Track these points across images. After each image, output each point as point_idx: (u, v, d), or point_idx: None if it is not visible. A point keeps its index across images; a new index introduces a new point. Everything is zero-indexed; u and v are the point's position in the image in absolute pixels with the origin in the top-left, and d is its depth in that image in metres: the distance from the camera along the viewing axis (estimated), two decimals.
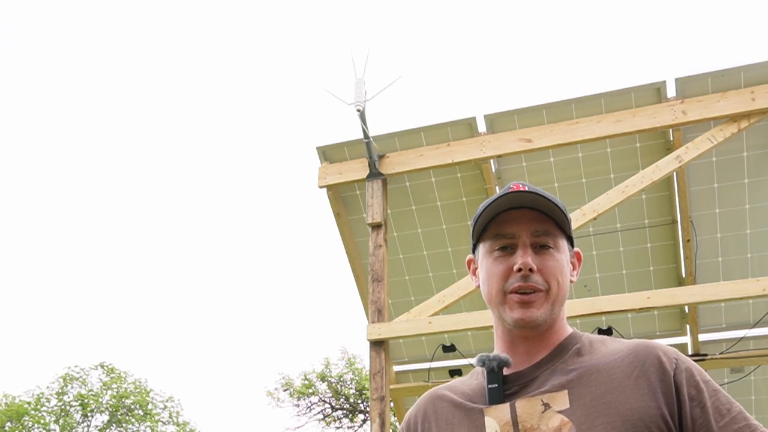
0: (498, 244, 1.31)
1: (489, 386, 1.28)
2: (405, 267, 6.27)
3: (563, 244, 1.33)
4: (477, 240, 1.37)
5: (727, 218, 5.69)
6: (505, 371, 1.30)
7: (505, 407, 1.25)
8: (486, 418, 1.26)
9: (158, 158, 42.82)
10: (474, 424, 1.27)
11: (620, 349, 1.26)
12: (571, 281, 1.34)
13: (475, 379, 1.36)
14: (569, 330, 1.34)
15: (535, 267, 1.27)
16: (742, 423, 1.20)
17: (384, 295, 5.31)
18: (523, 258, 1.27)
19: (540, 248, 1.29)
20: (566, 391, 1.22)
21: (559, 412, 1.20)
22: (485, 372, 1.30)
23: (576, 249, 1.39)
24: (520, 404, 1.24)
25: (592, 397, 1.20)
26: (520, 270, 1.27)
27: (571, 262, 1.36)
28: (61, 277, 35.65)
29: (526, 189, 1.30)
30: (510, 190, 1.31)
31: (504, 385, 1.28)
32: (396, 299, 6.39)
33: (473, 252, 1.40)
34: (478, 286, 1.38)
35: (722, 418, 1.19)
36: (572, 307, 4.73)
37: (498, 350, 1.34)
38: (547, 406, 1.22)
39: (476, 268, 1.39)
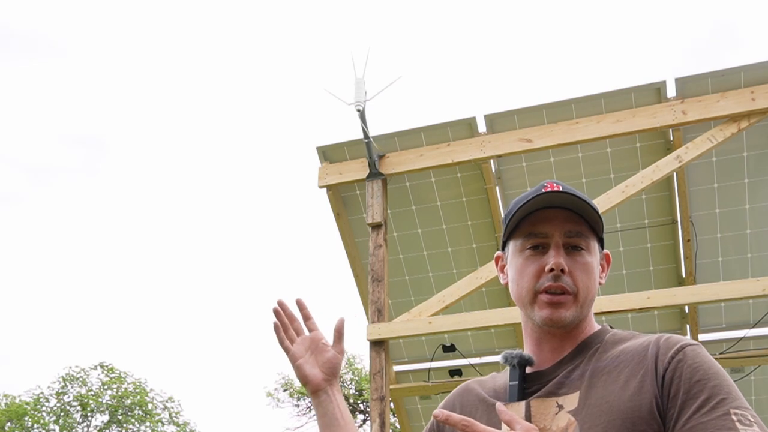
0: (530, 243, 1.30)
1: (509, 383, 1.30)
2: (405, 267, 6.27)
3: (594, 245, 1.33)
4: (507, 237, 1.36)
5: (727, 218, 5.69)
6: (528, 369, 1.30)
7: (521, 406, 1.26)
8: None
9: (158, 158, 42.82)
10: (492, 420, 1.28)
11: (635, 347, 1.24)
12: (599, 283, 1.34)
13: (504, 375, 1.37)
14: (596, 328, 1.34)
15: (566, 268, 1.27)
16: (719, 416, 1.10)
17: (384, 295, 5.31)
18: (556, 258, 1.27)
19: (572, 249, 1.29)
20: (578, 393, 1.22)
21: (569, 412, 1.21)
22: (509, 369, 1.32)
23: (606, 251, 1.38)
24: (535, 404, 1.25)
25: (598, 397, 1.19)
26: (551, 270, 1.26)
27: (601, 264, 1.35)
28: (62, 277, 35.67)
29: (561, 189, 1.29)
30: (544, 189, 1.30)
31: (525, 383, 1.29)
32: (396, 299, 6.39)
33: (502, 249, 1.39)
34: (506, 284, 1.37)
35: (688, 422, 1.11)
36: None
37: (526, 348, 1.35)
38: (560, 407, 1.22)
39: (504, 266, 1.39)
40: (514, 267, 1.33)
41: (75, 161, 39.90)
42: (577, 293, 1.28)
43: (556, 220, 1.29)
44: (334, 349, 1.48)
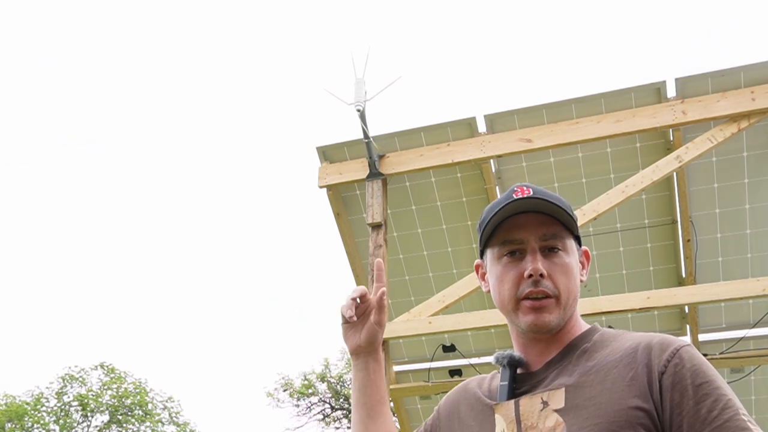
0: (506, 250, 1.31)
1: (500, 383, 1.31)
2: (405, 267, 6.27)
3: (571, 244, 1.33)
4: (484, 246, 1.37)
5: (727, 218, 5.69)
6: (519, 371, 1.32)
7: (510, 405, 1.28)
8: (496, 415, 1.29)
9: (159, 158, 42.83)
10: (484, 420, 1.31)
11: (623, 348, 1.24)
12: (581, 281, 1.34)
13: (497, 376, 1.38)
14: (583, 327, 1.34)
15: (545, 272, 1.27)
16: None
17: None
18: (533, 264, 1.27)
19: (549, 251, 1.30)
20: (563, 389, 1.23)
21: (556, 410, 1.22)
22: (501, 369, 1.33)
23: (584, 247, 1.38)
24: (523, 402, 1.26)
25: (586, 398, 1.20)
26: (530, 276, 1.27)
27: (580, 261, 1.36)
28: (61, 277, 35.66)
29: (531, 192, 1.30)
30: (514, 194, 1.31)
31: (515, 384, 1.30)
32: (396, 299, 6.39)
33: (481, 257, 1.40)
34: (488, 291, 1.38)
35: (703, 426, 1.13)
36: None
37: (515, 351, 1.36)
38: (545, 404, 1.23)
39: (485, 273, 1.40)
40: (493, 275, 1.34)
41: (75, 161, 39.90)
42: (559, 295, 1.28)
43: (530, 226, 1.30)
44: (373, 320, 1.42)
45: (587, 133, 5.22)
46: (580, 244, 1.37)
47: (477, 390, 1.38)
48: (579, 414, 1.18)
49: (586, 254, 1.38)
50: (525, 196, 1.30)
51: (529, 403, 1.25)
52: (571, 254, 1.32)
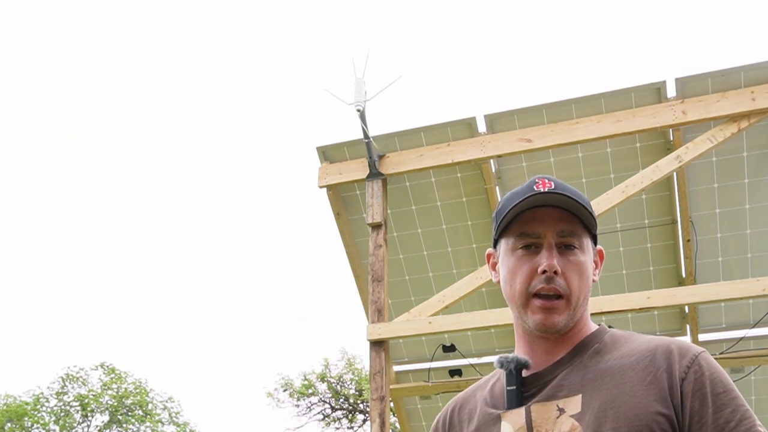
0: (522, 243, 1.28)
1: (507, 388, 1.28)
2: (405, 267, 6.27)
3: (588, 243, 1.30)
4: (499, 235, 1.33)
5: (727, 218, 5.69)
6: (524, 372, 1.28)
7: (521, 412, 1.24)
8: (503, 423, 1.26)
9: (159, 158, 42.82)
10: (491, 431, 1.27)
11: (639, 350, 1.23)
12: (593, 281, 1.32)
13: (499, 379, 1.34)
14: (592, 327, 1.32)
15: (559, 270, 1.24)
16: None
17: (384, 295, 5.31)
18: (549, 260, 1.24)
19: (564, 248, 1.27)
20: (580, 396, 1.20)
21: (572, 416, 1.19)
22: (504, 374, 1.29)
23: (599, 247, 1.36)
24: (536, 408, 1.23)
25: (602, 401, 1.18)
26: (544, 272, 1.24)
27: (594, 261, 1.33)
28: (62, 277, 35.65)
29: (552, 186, 1.27)
30: (535, 186, 1.27)
31: (522, 387, 1.27)
32: (396, 299, 6.38)
33: (494, 246, 1.37)
34: (498, 282, 1.35)
35: (727, 429, 1.14)
36: None
37: (518, 349, 1.33)
38: (561, 411, 1.20)
39: (496, 263, 1.36)
40: (506, 267, 1.31)
41: (75, 161, 39.91)
42: (569, 295, 1.26)
43: (548, 220, 1.27)
44: None
45: (587, 133, 5.22)
46: (596, 242, 1.34)
47: (475, 400, 1.35)
48: (596, 417, 1.17)
49: (600, 254, 1.36)
50: (546, 189, 1.26)
51: (542, 410, 1.22)
52: (587, 253, 1.29)
